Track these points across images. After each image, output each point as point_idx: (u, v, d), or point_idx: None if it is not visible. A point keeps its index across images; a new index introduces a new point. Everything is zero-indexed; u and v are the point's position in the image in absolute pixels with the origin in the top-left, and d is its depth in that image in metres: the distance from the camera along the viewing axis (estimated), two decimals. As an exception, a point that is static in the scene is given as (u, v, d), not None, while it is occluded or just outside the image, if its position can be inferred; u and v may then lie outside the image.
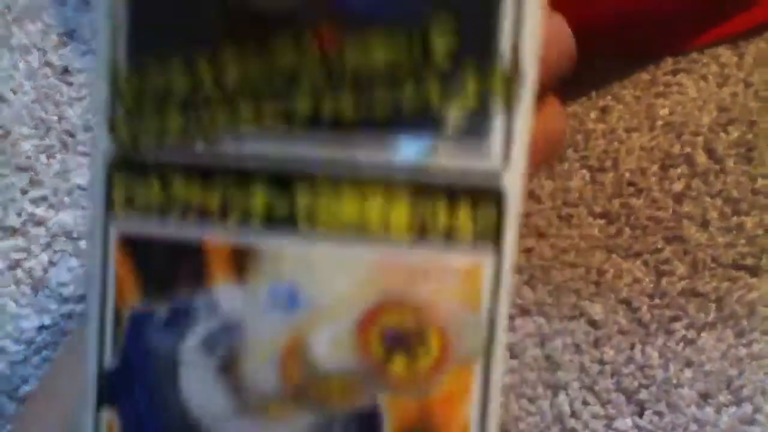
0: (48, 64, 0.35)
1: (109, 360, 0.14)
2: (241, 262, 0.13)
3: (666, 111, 0.31)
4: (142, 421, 0.14)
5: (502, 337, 0.13)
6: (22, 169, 0.33)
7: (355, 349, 0.13)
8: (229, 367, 0.13)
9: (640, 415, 0.27)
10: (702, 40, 0.32)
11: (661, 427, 0.26)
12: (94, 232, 0.14)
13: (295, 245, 0.13)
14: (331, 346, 0.13)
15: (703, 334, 0.28)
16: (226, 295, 0.13)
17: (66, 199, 0.32)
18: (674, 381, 0.27)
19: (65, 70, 0.35)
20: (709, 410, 0.26)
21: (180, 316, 0.14)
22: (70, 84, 0.34)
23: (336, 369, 0.13)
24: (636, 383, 0.27)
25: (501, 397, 0.13)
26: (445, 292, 0.13)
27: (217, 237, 0.13)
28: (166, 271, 0.14)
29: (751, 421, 0.26)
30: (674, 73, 0.32)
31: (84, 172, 0.33)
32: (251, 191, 0.13)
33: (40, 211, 0.32)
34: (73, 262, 0.31)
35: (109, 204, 0.14)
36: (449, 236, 0.13)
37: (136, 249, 0.14)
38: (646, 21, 0.31)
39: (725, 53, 0.32)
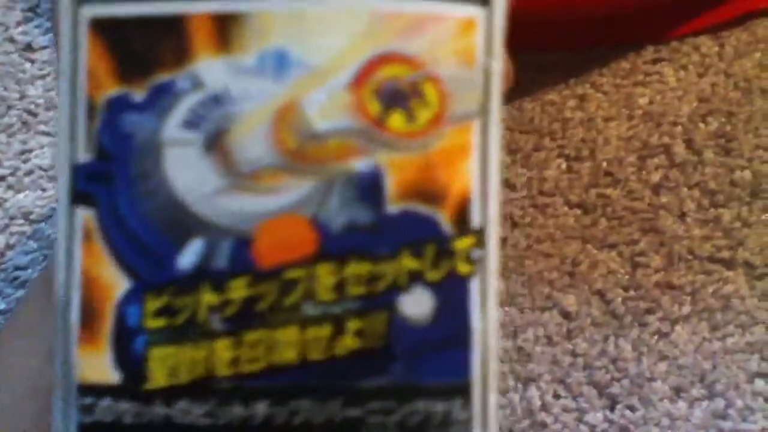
0: (10, 39, 0.34)
1: (82, 155, 0.13)
2: (225, 31, 0.13)
3: (645, 100, 0.31)
4: (121, 212, 0.13)
5: (498, 96, 0.13)
6: (-20, 148, 0.31)
7: (350, 108, 0.13)
8: (216, 143, 0.13)
9: (612, 408, 0.26)
10: (683, 29, 0.32)
11: (633, 422, 0.26)
12: (62, 17, 0.13)
13: (283, 4, 0.13)
14: (325, 107, 0.13)
15: (677, 328, 0.27)
16: (210, 68, 0.13)
17: (26, 180, 0.31)
18: (647, 375, 0.26)
19: (28, 47, 0.33)
20: (681, 404, 0.26)
21: (161, 96, 0.13)
22: (32, 61, 0.33)
23: (332, 129, 0.13)
24: (608, 376, 0.26)
25: (500, 156, 0.13)
26: (440, 45, 0.13)
27: (197, 7, 0.13)
28: (143, 51, 0.13)
29: (724, 416, 0.26)
30: (654, 62, 0.32)
31: (45, 152, 0.31)
32: None
33: (-2, 192, 0.31)
34: (31, 245, 0.30)
35: None
36: None
37: (109, 31, 0.13)
38: (628, 9, 0.31)
39: (706, 43, 0.32)
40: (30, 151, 0.31)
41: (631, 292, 0.28)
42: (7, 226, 0.30)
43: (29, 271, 0.29)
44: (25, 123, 0.32)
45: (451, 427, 0.13)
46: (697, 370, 0.26)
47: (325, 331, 0.13)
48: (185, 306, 0.13)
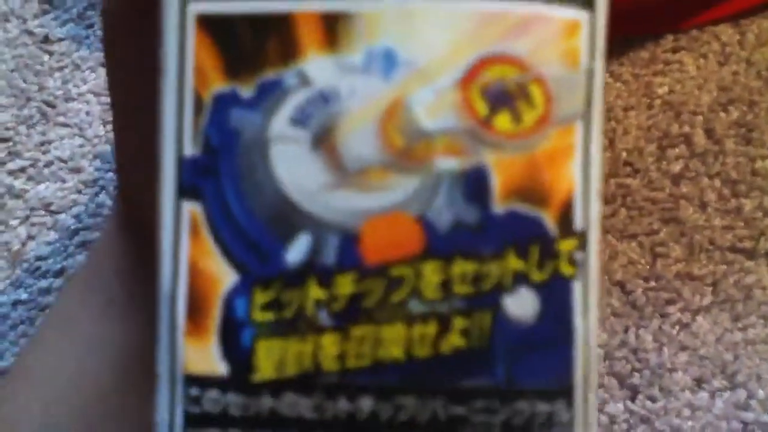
0: (27, 32, 0.34)
1: (189, 148, 0.13)
2: (333, 29, 0.13)
3: (665, 89, 0.31)
4: (229, 207, 0.13)
5: (599, 99, 0.13)
6: (0, 140, 0.32)
7: (457, 107, 0.13)
8: (324, 140, 0.13)
9: (633, 399, 0.26)
10: (703, 17, 0.32)
11: (654, 412, 0.26)
12: (169, 13, 0.13)
13: (391, 4, 0.13)
14: (432, 106, 0.13)
15: (698, 318, 0.27)
16: (318, 65, 0.13)
17: (45, 171, 0.31)
18: (668, 365, 0.26)
19: (46, 39, 0.34)
20: (703, 395, 0.26)
21: (268, 92, 0.13)
22: (50, 53, 0.33)
23: (439, 129, 0.13)
24: (629, 367, 0.26)
25: (601, 159, 0.13)
26: (546, 46, 0.13)
27: (306, 6, 0.13)
28: (251, 48, 0.13)
29: (746, 407, 0.26)
30: (674, 51, 0.31)
31: (64, 144, 0.32)
32: None
33: (18, 183, 0.31)
34: (52, 235, 0.30)
35: None
36: None
37: (216, 28, 0.13)
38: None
39: (727, 31, 0.31)
40: (49, 142, 0.32)
41: (652, 283, 0.28)
42: (27, 217, 0.30)
43: (50, 261, 0.29)
44: (44, 114, 0.32)
45: (553, 428, 0.13)
46: (719, 360, 0.26)
47: (431, 328, 0.13)
48: (293, 300, 0.13)
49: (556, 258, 0.13)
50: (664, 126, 0.30)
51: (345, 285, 0.13)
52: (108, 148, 0.32)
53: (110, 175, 0.31)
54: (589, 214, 0.13)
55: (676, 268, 0.28)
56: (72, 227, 0.30)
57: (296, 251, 0.13)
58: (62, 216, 0.30)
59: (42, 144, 0.32)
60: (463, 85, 0.13)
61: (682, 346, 0.27)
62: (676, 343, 0.27)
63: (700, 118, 0.30)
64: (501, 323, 0.13)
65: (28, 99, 0.32)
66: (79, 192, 0.31)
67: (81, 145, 0.31)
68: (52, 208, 0.30)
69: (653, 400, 0.26)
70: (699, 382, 0.26)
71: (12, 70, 0.33)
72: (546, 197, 0.13)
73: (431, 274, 0.13)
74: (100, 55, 0.34)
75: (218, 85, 0.13)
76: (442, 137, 0.13)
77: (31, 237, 0.30)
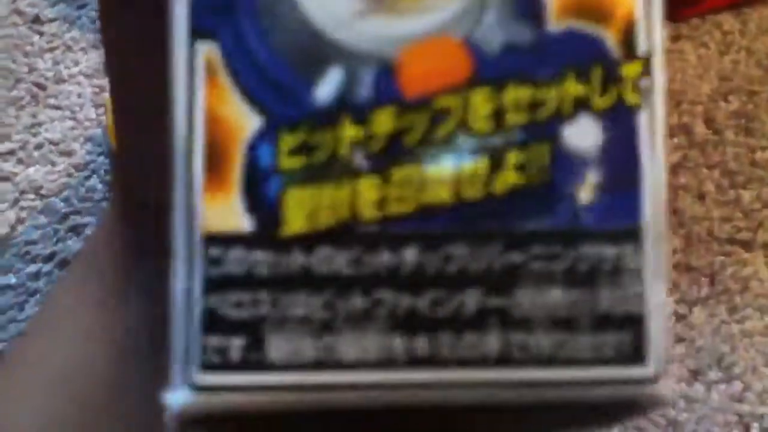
0: (17, 12, 0.33)
1: None
2: None
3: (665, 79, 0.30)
4: (249, 45, 0.12)
5: None
6: (-11, 121, 0.31)
7: None
8: None
9: (628, 390, 0.26)
10: (705, 6, 0.31)
11: (650, 404, 0.26)
12: None
13: None
14: None
15: (695, 310, 0.27)
16: None
17: (35, 154, 0.31)
18: (664, 356, 0.26)
19: (36, 19, 0.33)
20: (699, 387, 0.26)
21: None
22: (41, 34, 0.33)
23: None
24: (625, 358, 0.26)
25: None
26: None
27: None
28: None
29: (741, 399, 0.25)
30: (675, 39, 0.31)
31: (55, 126, 0.31)
32: None
33: (7, 166, 0.30)
34: (42, 219, 0.29)
35: None
36: None
37: None
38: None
39: (728, 20, 0.31)
40: (40, 124, 0.31)
41: (649, 274, 0.27)
42: (17, 200, 0.30)
43: (39, 246, 0.29)
44: (34, 96, 0.32)
45: (622, 276, 0.12)
46: (715, 352, 0.26)
47: (482, 165, 0.12)
48: (324, 142, 0.12)
49: (620, 83, 0.12)
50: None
51: (383, 121, 0.12)
52: (99, 131, 0.31)
53: (102, 158, 0.30)
54: (654, 38, 0.12)
55: (674, 259, 0.28)
56: (62, 211, 0.29)
57: (326, 87, 0.12)
58: (52, 200, 0.30)
59: (32, 126, 0.31)
60: None
61: (678, 338, 0.26)
62: (672, 335, 0.27)
63: (700, 108, 0.30)
64: (561, 156, 0.12)
65: (18, 80, 0.32)
66: (70, 175, 0.30)
67: (72, 128, 0.31)
68: (42, 191, 0.30)
69: (649, 391, 0.26)
70: (695, 374, 0.26)
71: (1, 51, 0.32)
72: (607, 14, 0.12)
73: (481, 103, 0.12)
74: (92, 36, 0.33)
75: None
76: None
77: (20, 221, 0.29)
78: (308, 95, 0.12)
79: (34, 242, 0.29)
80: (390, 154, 0.12)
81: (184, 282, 0.12)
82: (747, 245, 0.28)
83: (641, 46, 0.12)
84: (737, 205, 0.28)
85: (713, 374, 0.26)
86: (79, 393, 0.17)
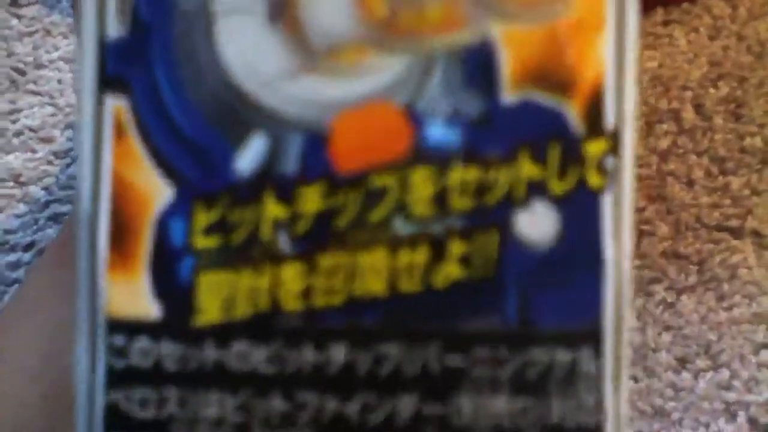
0: (-4, -6, 0.32)
1: (114, 28, 0.10)
2: None
3: (654, 64, 0.30)
4: (163, 101, 0.10)
5: None
6: (-33, 107, 0.30)
7: None
8: (283, 11, 0.10)
9: (615, 379, 0.26)
10: (695, -10, 0.31)
11: (637, 392, 0.25)
12: None
13: None
14: None
15: (682, 297, 0.27)
16: None
17: (15, 141, 0.30)
18: (651, 345, 0.26)
19: (14, 2, 0.32)
20: (686, 375, 0.26)
21: None
22: (19, 17, 0.32)
23: None
24: (612, 346, 0.26)
25: (638, 34, 0.10)
26: None
27: None
28: None
29: (729, 387, 0.25)
30: (665, 24, 0.31)
31: (34, 112, 0.30)
32: None
33: (-14, 153, 0.30)
34: (21, 208, 0.29)
35: None
36: None
37: None
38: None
39: (719, 5, 0.31)
40: (19, 111, 0.30)
41: (637, 261, 0.27)
42: (-5, 188, 0.29)
43: (19, 234, 0.28)
44: (13, 82, 0.31)
45: (577, 383, 0.10)
46: (703, 340, 0.26)
47: (420, 255, 0.10)
48: (244, 220, 0.10)
49: (581, 163, 0.10)
50: (653, 101, 0.29)
51: (311, 199, 0.10)
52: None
53: (82, 145, 0.30)
54: (624, 108, 0.10)
55: (662, 246, 0.27)
56: (42, 200, 0.29)
57: (248, 155, 0.10)
58: (32, 188, 0.29)
59: (11, 113, 0.30)
60: None
61: (666, 326, 0.26)
62: (660, 323, 0.26)
63: (689, 93, 0.29)
64: (511, 247, 0.10)
65: (-4, 65, 0.31)
66: (50, 163, 0.30)
67: (52, 114, 0.30)
68: (22, 179, 0.29)
69: (636, 380, 0.26)
70: (682, 362, 0.26)
71: (-21, 35, 0.32)
72: (569, 82, 0.10)
73: (422, 183, 0.10)
74: (71, 21, 0.32)
75: None
76: (437, 4, 0.10)
77: (-1, 209, 0.29)
78: (228, 163, 0.10)
79: (13, 231, 0.28)
80: (317, 238, 0.10)
81: (86, 371, 0.11)
82: (736, 232, 0.27)
83: (608, 119, 0.10)
84: (726, 191, 0.28)
85: (700, 362, 0.26)
86: (51, 386, 0.16)
